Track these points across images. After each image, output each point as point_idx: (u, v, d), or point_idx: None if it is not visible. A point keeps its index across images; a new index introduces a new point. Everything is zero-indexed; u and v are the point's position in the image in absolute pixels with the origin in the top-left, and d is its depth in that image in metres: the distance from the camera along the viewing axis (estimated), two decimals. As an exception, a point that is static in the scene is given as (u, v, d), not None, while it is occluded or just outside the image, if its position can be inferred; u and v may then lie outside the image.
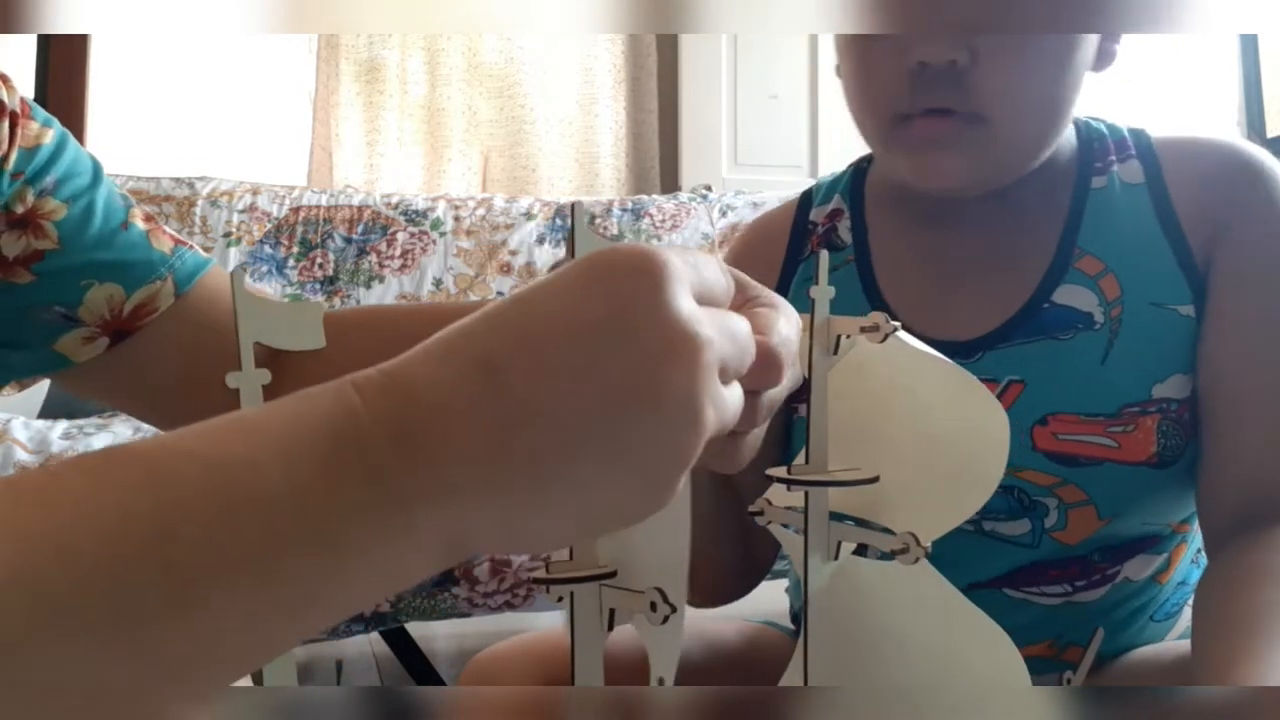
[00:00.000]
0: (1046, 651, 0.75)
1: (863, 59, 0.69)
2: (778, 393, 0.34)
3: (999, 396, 0.72)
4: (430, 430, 0.27)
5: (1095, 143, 0.76)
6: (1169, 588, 0.78)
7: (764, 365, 0.32)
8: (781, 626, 0.95)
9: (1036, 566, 0.74)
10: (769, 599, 0.99)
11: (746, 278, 0.36)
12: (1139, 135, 0.76)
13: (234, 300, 0.33)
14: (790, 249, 0.82)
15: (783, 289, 0.81)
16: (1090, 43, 0.70)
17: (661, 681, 0.38)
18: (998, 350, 0.73)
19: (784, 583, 1.10)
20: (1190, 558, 0.79)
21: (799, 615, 0.94)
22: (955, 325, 0.75)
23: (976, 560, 0.74)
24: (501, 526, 0.28)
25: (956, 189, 0.71)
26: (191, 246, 0.64)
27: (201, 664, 0.25)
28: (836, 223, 0.81)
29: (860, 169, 0.84)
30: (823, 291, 0.40)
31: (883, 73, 0.67)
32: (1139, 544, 0.74)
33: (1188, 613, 0.78)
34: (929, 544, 0.39)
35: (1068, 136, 0.75)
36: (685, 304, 0.28)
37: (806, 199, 0.84)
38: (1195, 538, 0.78)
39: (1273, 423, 0.68)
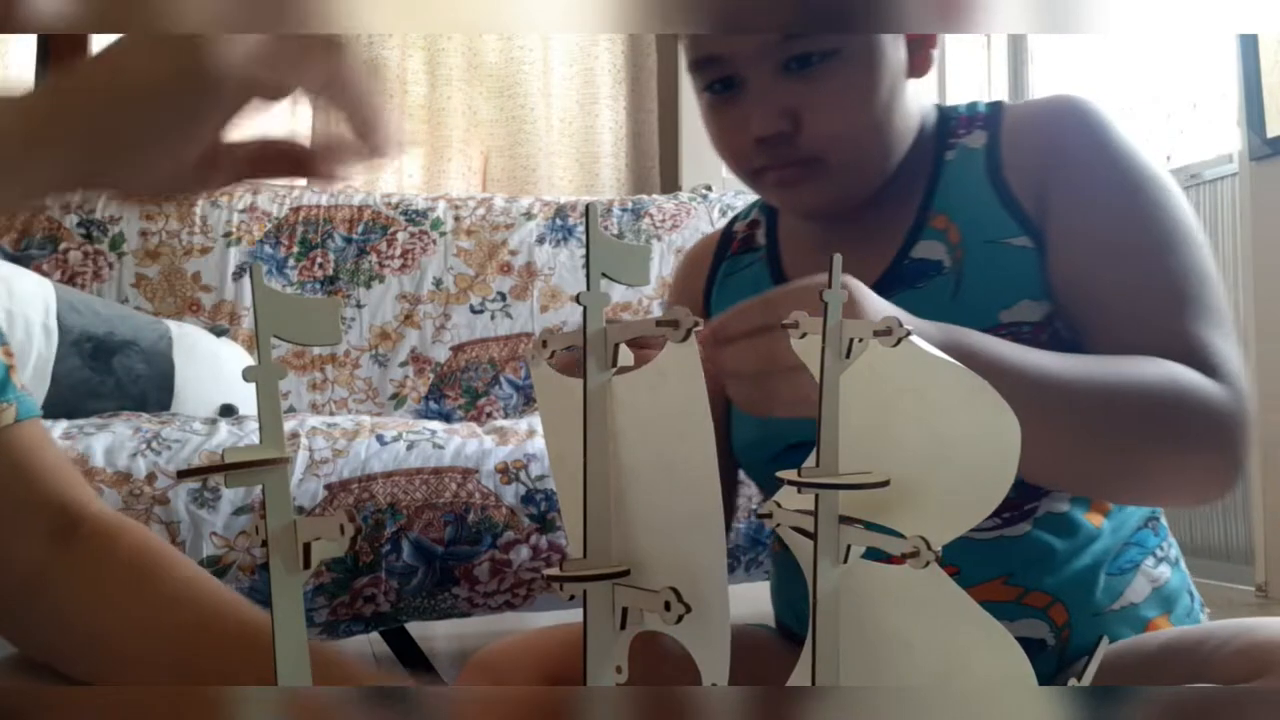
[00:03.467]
0: (1003, 592, 0.80)
1: (717, 129, 0.86)
2: None
3: None
4: None
5: (950, 122, 0.89)
6: (1114, 538, 0.82)
7: None
8: (769, 627, 0.96)
9: None
10: (761, 599, 0.99)
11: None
12: (993, 107, 0.89)
13: (253, 294, 0.33)
14: (716, 253, 1.02)
15: (710, 281, 1.01)
16: (896, 62, 0.82)
17: (715, 686, 0.38)
18: None
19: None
20: (1143, 517, 0.85)
21: (781, 622, 0.95)
22: None
23: None
24: None
25: (815, 213, 0.88)
26: (30, 395, 0.65)
27: None
28: (754, 230, 1.00)
29: None
30: (835, 295, 0.40)
31: (735, 143, 0.84)
32: None
33: (1142, 573, 0.83)
34: (939, 548, 0.39)
35: (928, 123, 0.89)
36: None
37: (733, 219, 1.04)
38: None
39: (1137, 317, 0.77)
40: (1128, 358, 0.73)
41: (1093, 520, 0.82)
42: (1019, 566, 0.80)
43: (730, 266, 1.00)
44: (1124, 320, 0.77)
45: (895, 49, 0.83)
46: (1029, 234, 0.81)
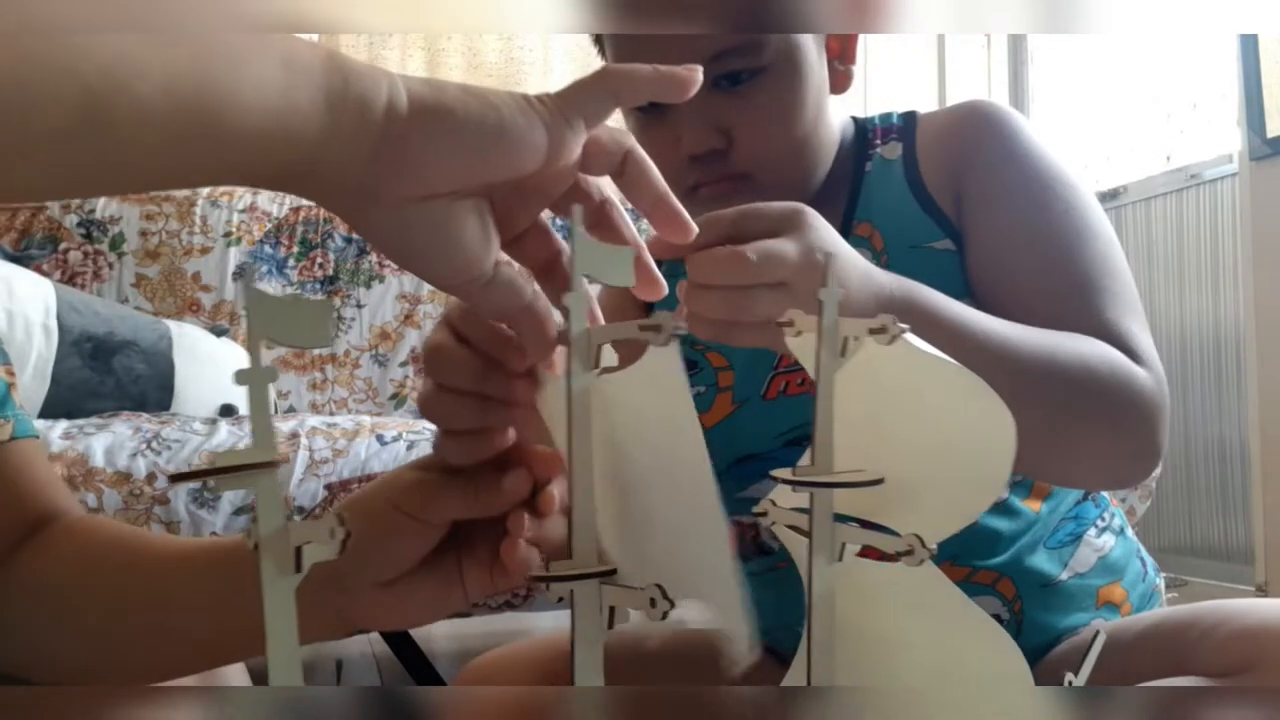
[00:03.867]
0: (953, 573, 0.82)
1: (648, 149, 0.86)
2: None
3: None
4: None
5: (867, 134, 0.92)
6: (1052, 518, 0.85)
7: None
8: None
9: None
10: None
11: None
12: (907, 117, 0.92)
13: (245, 298, 0.33)
14: None
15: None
16: (821, 79, 0.85)
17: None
18: None
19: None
20: (1077, 494, 0.87)
21: (766, 630, 0.95)
22: None
23: None
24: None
25: None
26: (29, 416, 0.65)
27: None
28: None
29: None
30: (830, 294, 0.40)
31: (667, 160, 0.83)
32: None
33: (1085, 544, 0.87)
34: (934, 546, 0.39)
35: (847, 136, 0.92)
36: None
37: None
38: None
39: (1057, 309, 0.78)
40: (1064, 334, 0.74)
41: (1031, 506, 0.85)
42: (962, 550, 0.82)
43: (669, 273, 0.99)
44: (1044, 312, 0.77)
45: (820, 65, 0.85)
46: (950, 236, 0.84)
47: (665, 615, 0.35)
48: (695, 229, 0.49)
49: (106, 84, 0.32)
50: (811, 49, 0.84)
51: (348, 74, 0.39)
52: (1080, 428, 0.72)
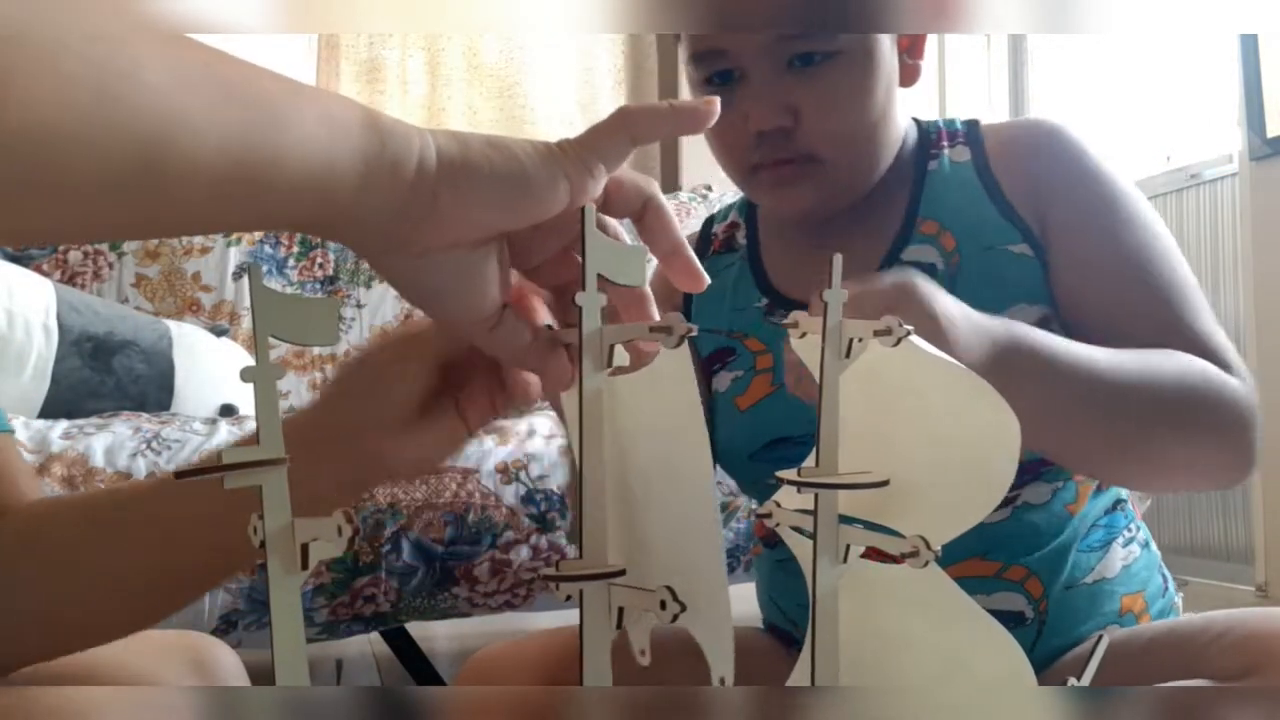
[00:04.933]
0: (982, 568, 0.84)
1: (718, 122, 0.83)
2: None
3: None
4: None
5: (931, 135, 0.92)
6: (1084, 522, 0.86)
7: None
8: (760, 629, 0.96)
9: None
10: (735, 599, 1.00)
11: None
12: (970, 124, 0.93)
13: (251, 294, 0.33)
14: (697, 251, 0.97)
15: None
16: (892, 70, 0.86)
17: (723, 681, 0.38)
18: None
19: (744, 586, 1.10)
20: (1110, 501, 0.89)
21: (771, 625, 0.96)
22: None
23: None
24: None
25: (808, 214, 0.88)
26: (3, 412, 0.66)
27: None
28: (734, 233, 1.01)
29: None
30: (835, 295, 0.40)
31: (732, 137, 0.85)
32: (1029, 468, 0.83)
33: (1113, 551, 0.87)
34: (939, 547, 0.39)
35: (909, 135, 0.92)
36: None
37: (710, 220, 1.05)
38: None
39: (1146, 324, 0.80)
40: (1157, 351, 0.76)
41: (1072, 510, 0.86)
42: (993, 546, 0.83)
43: (711, 265, 1.01)
44: (1139, 329, 0.79)
45: (892, 55, 0.85)
46: (1030, 243, 0.85)
47: (675, 618, 0.35)
48: (707, 279, 0.50)
49: (162, 142, 0.34)
50: (885, 38, 0.84)
51: (384, 135, 0.41)
52: (1183, 440, 0.75)
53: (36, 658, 0.59)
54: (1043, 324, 0.81)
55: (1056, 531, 0.84)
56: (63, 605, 0.59)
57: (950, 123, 0.94)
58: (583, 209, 0.41)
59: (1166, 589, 0.91)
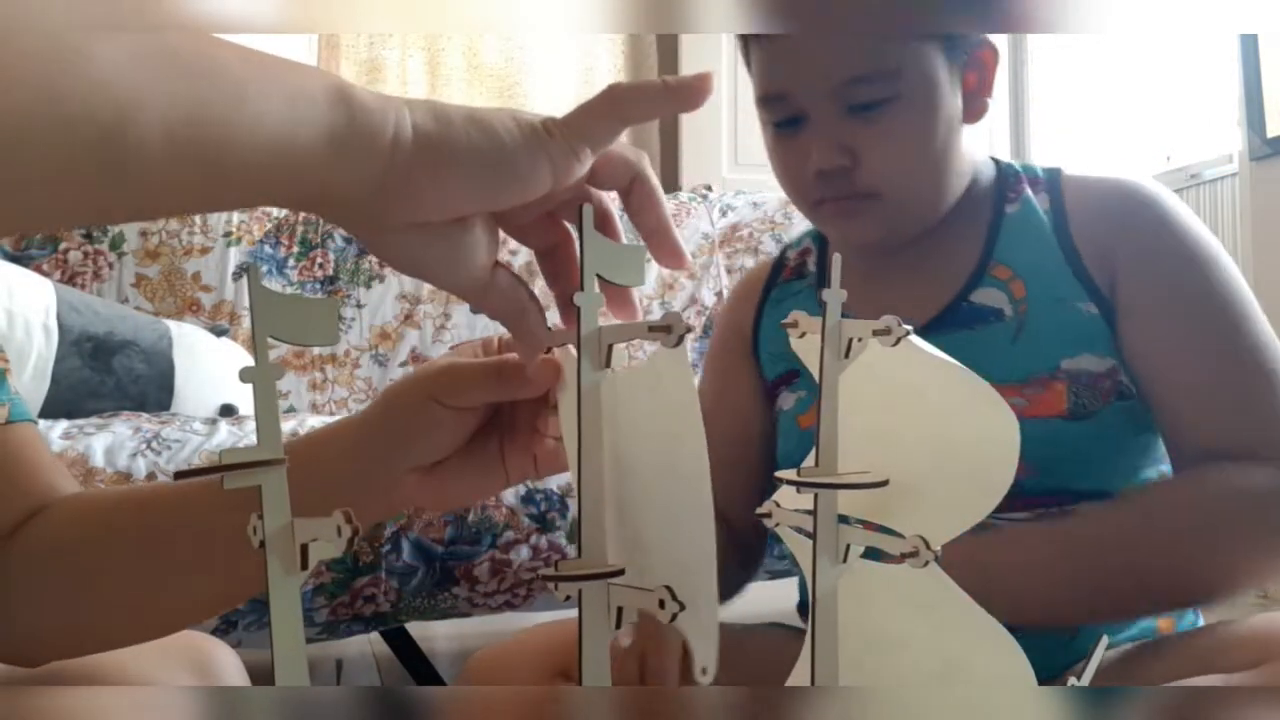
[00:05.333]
0: None
1: (780, 162, 0.91)
2: None
3: None
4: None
5: (1010, 177, 0.95)
6: None
7: None
8: (788, 625, 0.96)
9: None
10: (769, 599, 0.99)
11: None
12: (1052, 173, 0.94)
13: (250, 295, 0.33)
14: (769, 278, 1.07)
15: (760, 305, 1.06)
16: (952, 109, 0.88)
17: (705, 671, 0.38)
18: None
19: (781, 583, 1.10)
20: None
21: (806, 606, 0.96)
22: None
23: None
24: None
25: (873, 245, 0.91)
26: (24, 401, 0.65)
27: None
28: (805, 259, 1.06)
29: None
30: (834, 294, 0.40)
31: (796, 173, 0.90)
32: (1086, 496, 0.85)
33: None
34: (939, 547, 0.39)
35: (985, 172, 0.95)
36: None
37: (785, 247, 1.09)
38: None
39: (1203, 386, 0.83)
40: (1167, 490, 0.82)
41: None
42: None
43: (781, 293, 1.05)
44: (1213, 404, 0.82)
45: (953, 96, 0.88)
46: (1098, 304, 0.86)
47: (674, 617, 0.35)
48: (689, 259, 0.50)
49: (114, 124, 0.33)
50: (944, 81, 0.87)
51: (353, 109, 0.39)
52: (1233, 563, 0.77)
53: (60, 656, 0.59)
54: (1110, 376, 0.85)
55: None
56: (92, 609, 0.58)
57: (1031, 168, 0.96)
58: (580, 208, 0.41)
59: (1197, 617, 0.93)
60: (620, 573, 0.38)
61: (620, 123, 0.44)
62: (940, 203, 0.90)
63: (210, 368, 1.91)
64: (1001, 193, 0.94)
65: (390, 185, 0.40)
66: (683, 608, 0.35)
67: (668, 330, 0.37)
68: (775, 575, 1.44)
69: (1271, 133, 2.20)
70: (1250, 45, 2.22)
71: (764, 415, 1.01)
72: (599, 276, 0.40)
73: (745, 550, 0.98)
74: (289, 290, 2.18)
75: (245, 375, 0.32)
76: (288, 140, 0.37)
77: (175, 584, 0.57)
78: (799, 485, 0.41)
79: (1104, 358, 0.85)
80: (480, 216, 0.44)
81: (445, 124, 0.41)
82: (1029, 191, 0.93)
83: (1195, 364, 0.84)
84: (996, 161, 0.97)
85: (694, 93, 0.45)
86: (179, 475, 0.32)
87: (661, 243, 0.48)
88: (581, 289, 0.40)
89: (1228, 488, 0.78)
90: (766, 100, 0.89)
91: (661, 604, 0.36)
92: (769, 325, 1.03)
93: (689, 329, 0.35)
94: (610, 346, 0.40)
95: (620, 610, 0.38)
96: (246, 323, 2.14)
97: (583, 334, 0.40)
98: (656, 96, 0.44)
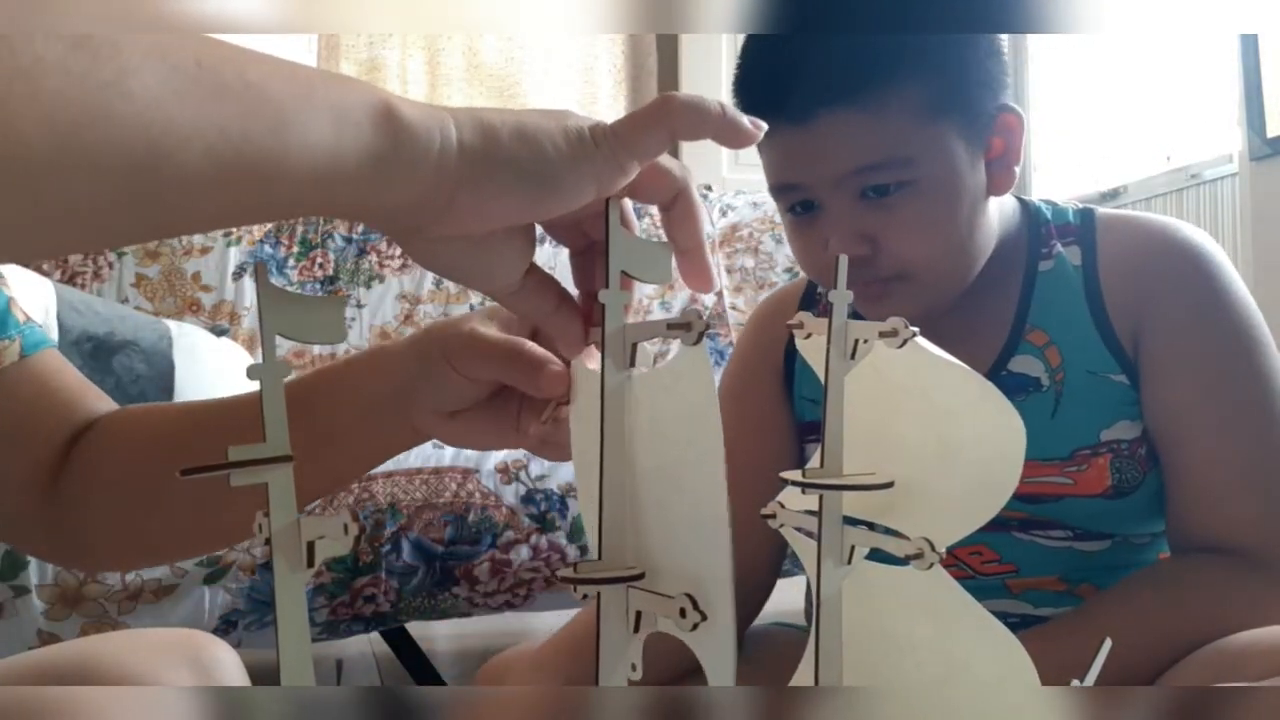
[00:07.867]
0: (1058, 585, 0.88)
1: (799, 247, 0.88)
2: None
3: None
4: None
5: (1041, 227, 0.90)
6: (1154, 554, 0.90)
7: None
8: (794, 626, 0.96)
9: (1034, 520, 0.87)
10: (772, 599, 0.99)
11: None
12: (1084, 216, 0.90)
13: (258, 293, 0.33)
14: (801, 305, 1.00)
15: (790, 345, 0.98)
16: (974, 186, 0.83)
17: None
18: None
19: (790, 582, 1.10)
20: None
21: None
22: None
23: None
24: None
25: (907, 320, 0.85)
26: (40, 326, 0.65)
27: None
28: None
29: None
30: (840, 296, 0.40)
31: (816, 258, 0.86)
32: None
33: None
34: (944, 549, 0.39)
35: (1015, 223, 0.90)
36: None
37: (812, 285, 1.01)
38: None
39: (1215, 464, 0.81)
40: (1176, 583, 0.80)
41: (1161, 555, 0.89)
42: (1069, 570, 0.87)
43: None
44: (1232, 479, 0.80)
45: (974, 173, 0.84)
46: (1125, 371, 0.84)
47: (696, 626, 0.35)
48: (718, 283, 0.50)
49: (154, 153, 0.32)
50: (963, 158, 0.83)
51: (398, 128, 0.39)
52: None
53: (124, 567, 0.60)
54: (1145, 441, 0.84)
55: (1138, 565, 0.87)
56: (158, 523, 0.60)
57: (1062, 213, 0.91)
58: (607, 202, 0.40)
59: None
60: (640, 576, 0.38)
61: (670, 136, 0.43)
62: (967, 277, 0.86)
63: (210, 368, 1.91)
64: (1035, 248, 0.89)
65: (433, 201, 0.40)
66: (704, 617, 0.35)
67: (687, 328, 0.37)
68: (783, 574, 1.44)
69: (1271, 133, 2.20)
70: (1250, 45, 2.22)
71: (795, 460, 0.96)
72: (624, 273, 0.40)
73: (756, 608, 0.97)
74: (288, 290, 2.18)
75: (253, 372, 0.32)
76: (330, 165, 0.37)
77: (235, 498, 0.58)
78: (804, 486, 0.41)
79: (1136, 422, 0.84)
80: (518, 231, 0.44)
81: (491, 140, 0.41)
82: (1060, 248, 0.89)
83: (1218, 448, 0.81)
84: (1024, 203, 0.92)
85: (744, 135, 0.45)
86: (184, 473, 0.32)
87: (694, 263, 0.47)
88: (607, 286, 0.40)
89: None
90: (779, 190, 0.86)
91: (683, 613, 0.35)
92: (803, 367, 0.96)
93: (708, 327, 0.35)
94: (634, 345, 0.40)
95: (639, 615, 0.38)
96: (246, 323, 2.14)
97: (607, 332, 0.39)
98: (710, 120, 0.44)
